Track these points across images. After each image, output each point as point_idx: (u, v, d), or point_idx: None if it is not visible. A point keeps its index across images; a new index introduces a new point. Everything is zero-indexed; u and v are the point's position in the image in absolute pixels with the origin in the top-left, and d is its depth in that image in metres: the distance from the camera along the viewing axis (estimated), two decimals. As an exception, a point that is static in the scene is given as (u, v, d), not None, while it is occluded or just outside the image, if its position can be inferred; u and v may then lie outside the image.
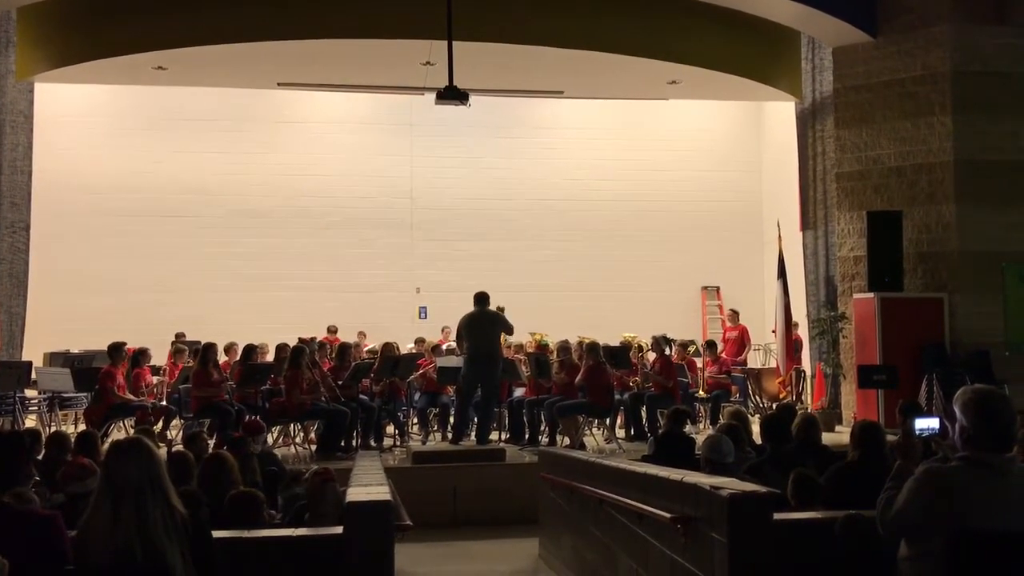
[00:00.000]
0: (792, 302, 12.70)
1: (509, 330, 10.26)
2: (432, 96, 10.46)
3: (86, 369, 11.23)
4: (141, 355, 10.83)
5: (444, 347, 12.08)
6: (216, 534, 3.42)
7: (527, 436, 10.52)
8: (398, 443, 10.57)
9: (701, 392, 11.96)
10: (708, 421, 11.59)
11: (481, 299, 9.99)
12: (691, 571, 4.11)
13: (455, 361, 10.43)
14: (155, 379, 11.30)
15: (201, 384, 9.74)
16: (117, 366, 10.05)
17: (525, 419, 10.68)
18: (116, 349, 10.14)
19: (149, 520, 3.05)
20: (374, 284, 15.96)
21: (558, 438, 10.40)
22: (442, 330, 13.83)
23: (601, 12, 11.71)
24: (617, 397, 10.76)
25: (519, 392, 11.18)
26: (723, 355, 12.71)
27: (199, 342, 11.16)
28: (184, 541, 3.11)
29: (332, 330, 14.04)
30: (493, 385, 10.01)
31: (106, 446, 6.52)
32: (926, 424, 4.35)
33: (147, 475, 3.12)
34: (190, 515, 3.20)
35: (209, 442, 9.53)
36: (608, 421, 10.75)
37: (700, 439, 6.68)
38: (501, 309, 10.77)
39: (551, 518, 7.53)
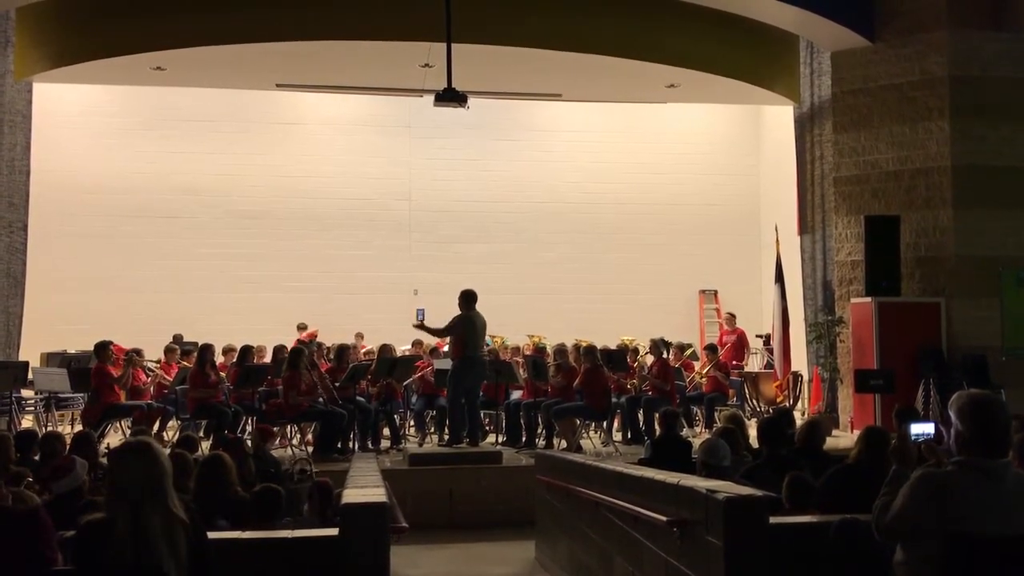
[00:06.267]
0: (789, 306, 12.71)
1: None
2: (431, 98, 10.46)
3: (83, 369, 11.20)
4: (136, 355, 10.80)
5: (442, 350, 12.07)
6: (212, 535, 3.40)
7: (524, 439, 10.51)
8: (394, 445, 10.56)
9: (704, 386, 11.92)
10: (704, 425, 11.58)
11: (474, 299, 9.94)
12: (687, 574, 4.11)
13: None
14: (147, 378, 11.29)
15: (198, 385, 9.77)
16: (106, 363, 10.05)
17: (522, 422, 10.66)
18: (103, 347, 10.18)
19: (146, 524, 3.02)
20: (371, 286, 15.94)
21: (555, 441, 10.40)
22: (440, 332, 13.78)
23: (600, 15, 11.71)
24: (614, 400, 10.76)
25: (516, 395, 11.18)
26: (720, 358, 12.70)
27: (196, 343, 11.17)
28: (180, 548, 3.06)
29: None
30: (478, 388, 10.10)
31: (103, 447, 6.55)
32: (921, 429, 4.37)
33: (149, 479, 3.08)
34: (189, 522, 3.15)
35: (205, 443, 9.63)
36: (605, 424, 10.74)
37: (697, 443, 6.68)
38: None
39: (547, 521, 7.53)
